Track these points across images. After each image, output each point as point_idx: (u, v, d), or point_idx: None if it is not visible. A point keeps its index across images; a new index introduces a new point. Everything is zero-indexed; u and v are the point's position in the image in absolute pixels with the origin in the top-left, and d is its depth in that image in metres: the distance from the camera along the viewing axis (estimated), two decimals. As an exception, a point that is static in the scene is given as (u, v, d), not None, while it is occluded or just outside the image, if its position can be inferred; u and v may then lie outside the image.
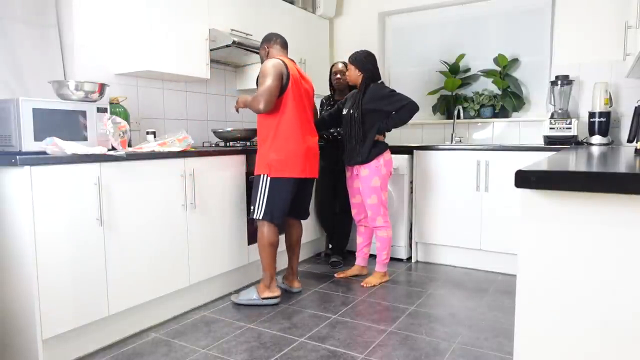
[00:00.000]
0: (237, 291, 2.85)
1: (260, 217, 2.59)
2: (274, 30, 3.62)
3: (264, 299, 2.64)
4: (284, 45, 2.78)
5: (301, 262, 3.58)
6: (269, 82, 2.51)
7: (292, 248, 2.88)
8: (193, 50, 2.93)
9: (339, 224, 3.55)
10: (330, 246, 3.68)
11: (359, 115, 2.90)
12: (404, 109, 2.89)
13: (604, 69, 3.36)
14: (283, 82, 2.56)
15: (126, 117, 2.59)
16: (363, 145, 2.93)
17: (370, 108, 2.90)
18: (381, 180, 2.96)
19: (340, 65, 3.45)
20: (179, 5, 2.83)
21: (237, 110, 2.81)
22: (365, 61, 2.94)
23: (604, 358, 0.93)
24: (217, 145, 3.14)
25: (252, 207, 2.63)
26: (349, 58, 2.99)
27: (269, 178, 2.57)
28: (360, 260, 3.24)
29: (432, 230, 3.47)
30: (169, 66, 2.79)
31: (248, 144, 3.10)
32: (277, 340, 2.23)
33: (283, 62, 2.60)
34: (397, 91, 2.95)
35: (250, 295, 2.66)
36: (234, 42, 3.01)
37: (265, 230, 2.62)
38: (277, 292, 2.68)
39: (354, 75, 2.97)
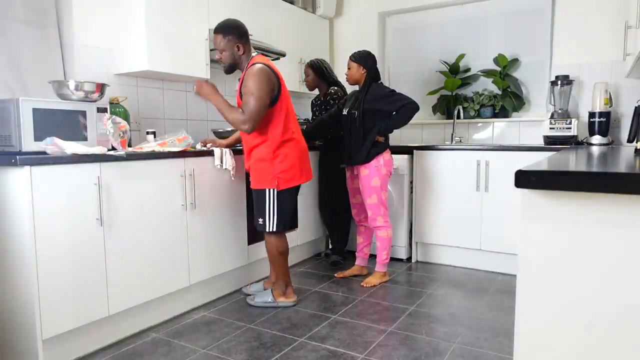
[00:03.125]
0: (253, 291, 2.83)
1: (274, 230, 2.51)
2: (274, 30, 3.64)
3: (279, 301, 2.63)
4: (249, 36, 2.51)
5: (301, 262, 3.58)
6: (259, 101, 2.32)
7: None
8: (193, 50, 2.93)
9: (337, 224, 3.55)
10: (330, 246, 3.68)
11: (360, 114, 2.90)
12: (404, 109, 2.89)
13: (604, 69, 3.36)
14: (274, 93, 2.40)
15: (126, 117, 2.59)
16: (363, 145, 2.93)
17: (371, 108, 2.90)
18: (381, 180, 2.96)
19: (307, 69, 3.50)
20: (179, 5, 2.83)
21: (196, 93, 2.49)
22: (368, 58, 2.95)
23: (604, 357, 0.93)
24: (217, 145, 3.14)
25: (259, 220, 2.52)
26: (351, 56, 2.99)
27: (276, 191, 2.47)
28: (360, 260, 3.24)
29: (432, 230, 3.47)
30: (169, 66, 2.79)
31: (248, 144, 3.10)
32: (277, 340, 2.23)
33: (270, 67, 2.40)
34: (397, 91, 2.96)
35: (266, 298, 2.63)
36: (234, 42, 3.00)
37: (274, 240, 2.56)
38: (293, 298, 2.65)
39: (357, 73, 2.96)
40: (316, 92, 3.66)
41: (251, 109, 2.32)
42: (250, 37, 2.53)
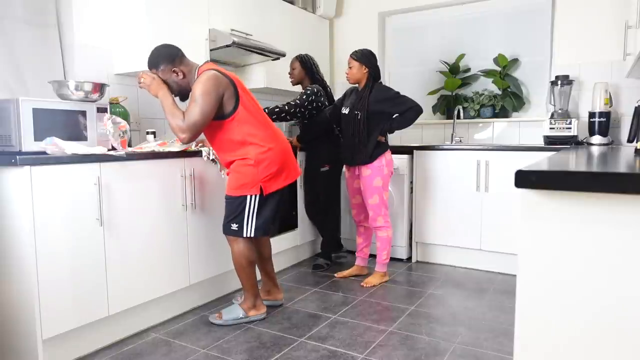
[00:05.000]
0: (214, 311, 2.57)
1: (252, 235, 2.33)
2: (274, 30, 3.64)
3: (251, 315, 2.45)
4: (183, 54, 2.28)
5: (301, 262, 3.58)
6: (202, 113, 2.10)
7: (268, 260, 2.65)
8: (193, 50, 2.92)
9: (324, 227, 3.47)
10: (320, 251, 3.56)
11: (365, 116, 2.89)
12: (411, 111, 2.89)
13: (604, 69, 3.36)
14: (233, 95, 2.21)
15: (126, 117, 2.59)
16: (367, 146, 2.92)
17: (377, 110, 2.89)
18: (383, 180, 2.96)
19: (294, 62, 3.32)
20: (179, 5, 2.83)
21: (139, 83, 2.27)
22: (370, 57, 2.94)
23: (604, 358, 0.93)
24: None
25: (233, 225, 2.33)
26: (352, 54, 2.96)
27: (258, 197, 2.31)
28: (360, 260, 3.24)
29: (432, 231, 3.47)
30: (169, 66, 2.78)
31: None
32: (277, 340, 2.23)
33: (218, 71, 2.21)
34: (401, 93, 2.95)
35: (237, 314, 2.43)
36: (234, 42, 3.01)
37: (242, 247, 2.36)
38: (264, 310, 2.48)
39: (358, 72, 2.94)
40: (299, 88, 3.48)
41: (192, 119, 2.12)
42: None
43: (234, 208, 2.34)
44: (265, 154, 2.30)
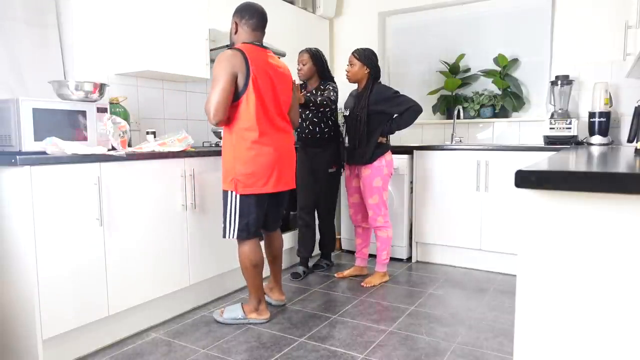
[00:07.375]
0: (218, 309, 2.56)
1: (235, 237, 2.29)
2: (274, 30, 3.63)
3: (250, 318, 2.43)
4: (258, 25, 2.34)
5: (301, 262, 3.57)
6: (218, 86, 2.13)
7: (276, 259, 2.62)
8: (193, 50, 2.93)
9: (324, 228, 3.41)
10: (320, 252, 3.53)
11: (365, 116, 2.89)
12: (409, 111, 2.89)
13: (604, 69, 3.36)
14: (242, 80, 2.18)
15: (126, 117, 2.59)
16: (367, 146, 2.92)
17: (376, 110, 2.89)
18: (382, 180, 2.96)
19: (304, 56, 3.20)
20: (179, 5, 2.83)
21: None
22: (372, 57, 2.93)
23: (604, 357, 0.93)
24: (217, 145, 3.14)
25: (223, 225, 2.34)
26: (354, 53, 2.95)
27: (237, 195, 2.26)
28: (360, 260, 3.24)
29: (432, 231, 3.46)
30: (169, 66, 2.78)
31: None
32: (277, 340, 2.23)
33: (242, 52, 2.20)
34: (400, 92, 2.95)
35: (236, 314, 2.42)
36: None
37: (247, 249, 2.32)
38: (266, 315, 2.44)
39: (360, 72, 2.94)
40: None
41: (210, 99, 2.15)
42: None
43: (223, 203, 2.35)
44: (248, 152, 2.22)
